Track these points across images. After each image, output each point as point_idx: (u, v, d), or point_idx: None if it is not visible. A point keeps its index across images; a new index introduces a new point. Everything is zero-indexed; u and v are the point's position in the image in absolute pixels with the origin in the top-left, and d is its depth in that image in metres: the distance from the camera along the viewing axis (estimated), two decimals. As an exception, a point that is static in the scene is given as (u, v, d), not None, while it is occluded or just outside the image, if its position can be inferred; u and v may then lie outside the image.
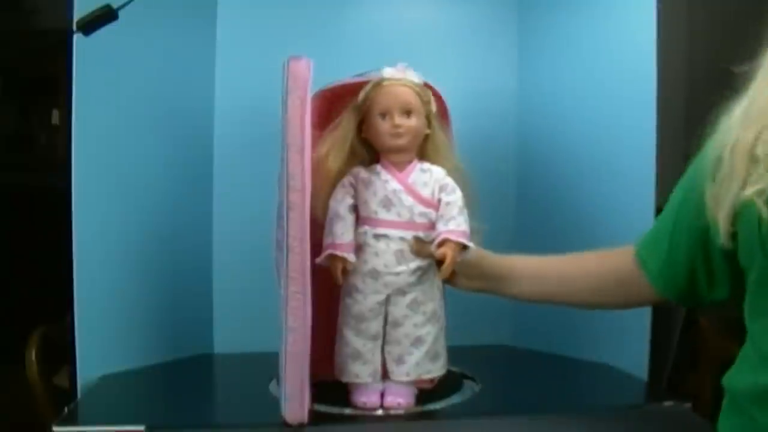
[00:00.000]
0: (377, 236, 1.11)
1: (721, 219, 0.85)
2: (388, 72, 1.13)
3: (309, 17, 1.50)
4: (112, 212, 1.33)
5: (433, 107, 1.15)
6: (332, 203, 1.12)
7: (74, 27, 1.11)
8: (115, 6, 1.10)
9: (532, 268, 1.14)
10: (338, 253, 1.09)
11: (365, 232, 1.11)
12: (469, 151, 1.24)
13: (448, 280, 1.14)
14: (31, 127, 3.33)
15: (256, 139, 1.40)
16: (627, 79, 1.37)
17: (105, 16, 1.09)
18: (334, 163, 1.12)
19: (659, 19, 1.30)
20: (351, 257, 1.09)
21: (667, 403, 1.17)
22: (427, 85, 1.19)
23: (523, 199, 1.56)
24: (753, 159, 0.82)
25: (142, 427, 1.04)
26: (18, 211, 3.04)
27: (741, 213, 0.84)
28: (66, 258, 1.26)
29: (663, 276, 1.00)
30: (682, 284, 0.99)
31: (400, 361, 1.12)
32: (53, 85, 2.94)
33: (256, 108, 1.39)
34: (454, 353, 1.26)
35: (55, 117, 3.23)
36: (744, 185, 0.82)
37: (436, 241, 1.10)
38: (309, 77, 1.01)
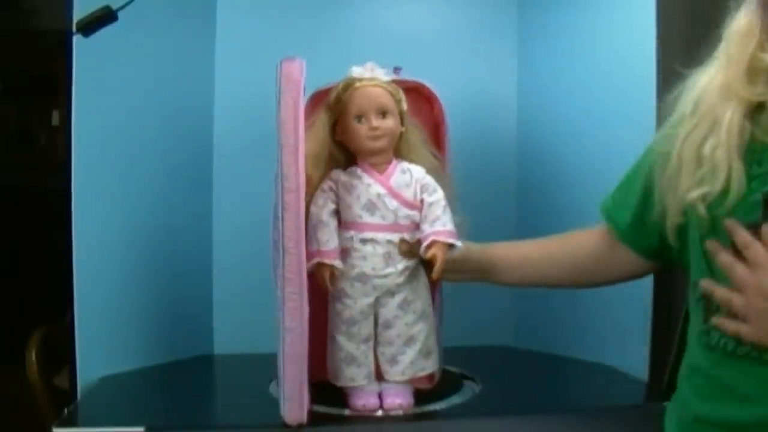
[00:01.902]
0: (364, 240, 1.10)
1: (669, 214, 0.89)
2: (356, 72, 1.12)
3: (308, 18, 1.50)
4: (112, 212, 1.33)
5: (404, 105, 1.14)
6: (314, 209, 1.11)
7: (74, 28, 1.11)
8: (114, 7, 1.10)
9: (514, 257, 1.16)
10: (325, 260, 1.08)
11: (351, 237, 1.11)
12: (469, 152, 1.24)
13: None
14: (31, 127, 3.34)
15: (256, 139, 1.39)
16: (627, 78, 1.37)
17: (104, 18, 1.10)
18: (310, 168, 1.09)
19: (659, 19, 1.30)
20: (338, 264, 1.09)
21: (667, 403, 1.17)
22: (423, 86, 1.20)
23: (523, 198, 1.56)
24: (699, 158, 0.85)
25: (141, 429, 1.04)
26: (18, 211, 3.04)
27: (688, 212, 0.87)
28: (66, 258, 1.26)
29: (632, 233, 1.03)
30: (654, 241, 1.00)
31: (393, 361, 1.12)
32: (53, 85, 2.94)
33: (255, 108, 1.38)
34: (454, 353, 1.26)
35: (55, 117, 3.23)
36: (689, 187, 0.85)
37: (425, 244, 1.09)
38: (302, 78, 1.01)
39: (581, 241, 1.13)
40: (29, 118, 3.33)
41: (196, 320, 1.48)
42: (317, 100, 1.15)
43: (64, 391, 1.46)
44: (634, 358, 1.34)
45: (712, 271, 0.85)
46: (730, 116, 0.84)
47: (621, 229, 1.05)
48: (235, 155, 1.49)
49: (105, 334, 1.31)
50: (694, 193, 0.84)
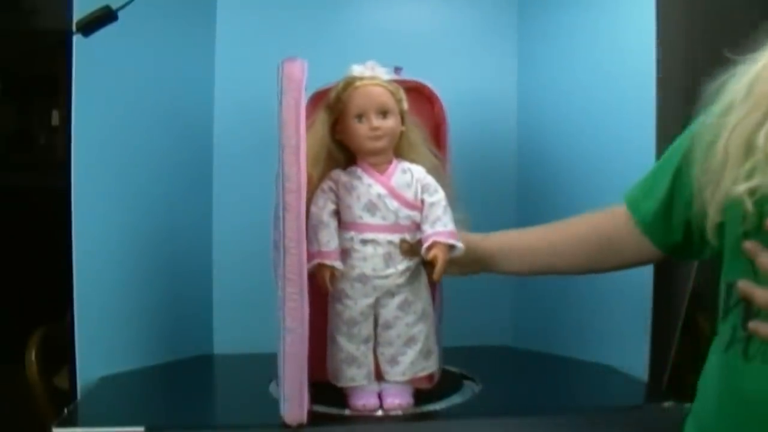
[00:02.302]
0: (364, 241, 1.09)
1: (709, 211, 0.82)
2: (357, 70, 1.11)
3: (308, 18, 1.50)
4: (112, 212, 1.33)
5: (405, 104, 1.13)
6: (314, 209, 1.10)
7: (74, 28, 1.11)
8: (114, 7, 1.10)
9: (520, 243, 1.14)
10: (326, 262, 1.07)
11: (351, 238, 1.10)
12: (469, 152, 1.24)
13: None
14: (31, 127, 3.34)
15: (256, 140, 1.39)
16: (626, 79, 1.37)
17: (104, 17, 1.09)
18: (311, 167, 1.09)
19: (658, 20, 1.30)
20: (338, 265, 1.08)
21: (667, 403, 1.17)
22: (424, 86, 1.19)
23: (523, 199, 1.56)
24: (750, 148, 0.77)
25: (141, 428, 1.04)
26: (18, 211, 3.04)
27: (729, 207, 0.80)
28: (66, 258, 1.26)
29: (656, 226, 0.99)
30: (678, 237, 0.97)
31: (393, 362, 1.12)
32: (53, 85, 2.94)
33: (255, 108, 1.39)
34: (454, 353, 1.26)
35: (55, 117, 3.23)
36: (736, 179, 0.77)
37: (426, 245, 1.09)
38: (303, 78, 1.01)
39: (594, 224, 1.09)
40: (29, 118, 3.34)
41: (196, 320, 1.48)
42: (318, 99, 1.15)
43: (64, 391, 1.46)
44: (634, 358, 1.34)
45: (755, 272, 0.78)
46: None
47: (645, 221, 1.01)
48: (235, 155, 1.49)
49: (105, 334, 1.31)
50: (742, 187, 0.76)
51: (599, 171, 1.42)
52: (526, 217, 1.54)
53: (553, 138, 1.51)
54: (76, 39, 1.17)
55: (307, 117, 1.03)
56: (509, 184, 1.56)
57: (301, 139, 1.00)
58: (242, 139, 1.48)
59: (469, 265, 1.15)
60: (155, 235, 1.40)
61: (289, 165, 1.00)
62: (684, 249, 0.99)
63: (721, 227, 0.84)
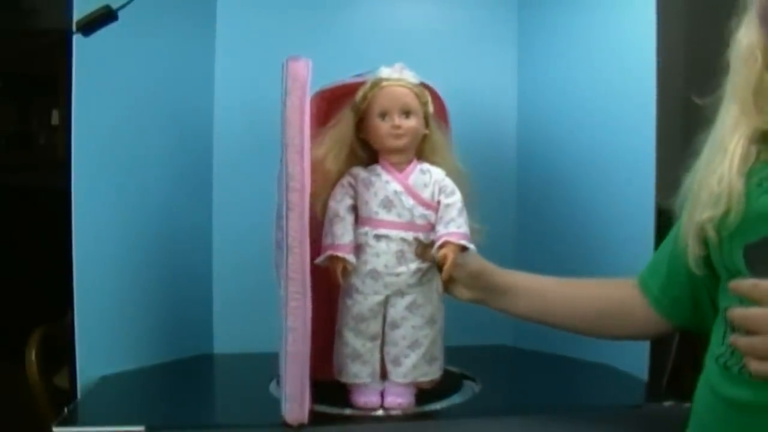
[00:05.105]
0: (378, 237, 1.11)
1: (689, 244, 0.91)
2: (385, 72, 1.13)
3: (309, 17, 1.50)
4: (112, 212, 1.33)
5: (430, 108, 1.15)
6: (331, 203, 1.12)
7: (74, 28, 1.11)
8: (114, 6, 1.10)
9: (534, 286, 1.15)
10: (339, 254, 1.09)
11: (366, 233, 1.11)
12: (468, 152, 1.23)
13: (447, 289, 1.15)
14: (31, 127, 3.34)
15: (256, 140, 1.40)
16: (626, 79, 1.37)
17: (104, 17, 1.09)
18: (333, 164, 1.12)
19: (659, 19, 1.30)
20: (351, 258, 1.09)
21: (667, 403, 1.17)
22: (425, 86, 1.19)
23: (523, 199, 1.56)
24: (710, 189, 0.87)
25: (142, 428, 1.04)
26: (18, 211, 3.04)
27: (706, 237, 0.89)
28: (66, 258, 1.26)
29: (666, 298, 1.03)
30: (687, 308, 1.01)
31: (396, 363, 1.13)
32: (53, 85, 2.94)
33: (256, 108, 1.39)
34: (455, 353, 1.26)
35: (55, 117, 3.23)
36: (702, 212, 0.88)
37: (437, 244, 1.10)
38: (308, 77, 1.01)
39: (608, 288, 1.12)
40: (29, 118, 3.34)
41: (196, 320, 1.48)
42: (318, 99, 1.15)
43: (64, 390, 1.46)
44: (634, 358, 1.34)
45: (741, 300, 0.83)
46: (735, 143, 0.87)
47: (653, 296, 1.05)
48: (235, 155, 1.49)
49: (105, 334, 1.30)
50: (704, 216, 0.87)
51: (599, 171, 1.42)
52: (526, 217, 1.55)
53: (553, 138, 1.51)
54: (76, 39, 1.17)
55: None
56: (509, 184, 1.56)
57: (305, 139, 1.00)
58: (242, 138, 1.48)
59: (477, 289, 1.15)
60: (155, 235, 1.40)
61: (292, 164, 1.00)
62: (696, 321, 1.01)
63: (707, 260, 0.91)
